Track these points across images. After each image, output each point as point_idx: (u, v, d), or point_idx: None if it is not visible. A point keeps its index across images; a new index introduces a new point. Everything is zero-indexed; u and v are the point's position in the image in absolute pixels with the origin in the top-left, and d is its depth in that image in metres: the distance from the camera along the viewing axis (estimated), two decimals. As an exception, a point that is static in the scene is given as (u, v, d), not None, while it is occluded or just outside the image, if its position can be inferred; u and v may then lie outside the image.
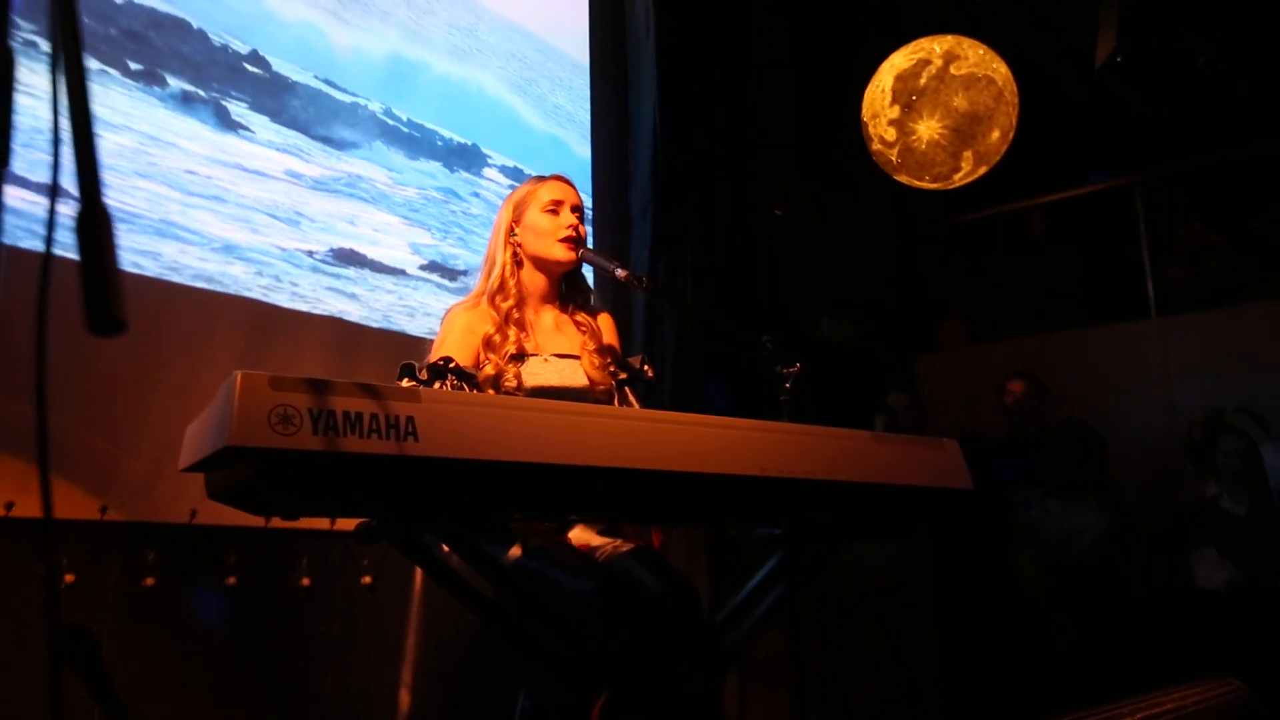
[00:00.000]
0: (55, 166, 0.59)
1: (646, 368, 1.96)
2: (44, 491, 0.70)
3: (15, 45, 0.66)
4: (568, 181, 2.02)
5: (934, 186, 4.10)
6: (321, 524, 2.56)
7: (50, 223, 0.60)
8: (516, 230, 1.95)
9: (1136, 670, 3.27)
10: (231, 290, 2.62)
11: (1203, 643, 3.49)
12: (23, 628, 2.04)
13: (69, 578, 2.17)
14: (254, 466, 1.10)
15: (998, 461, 4.20)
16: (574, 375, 1.87)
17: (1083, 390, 4.70)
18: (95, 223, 0.56)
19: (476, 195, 3.37)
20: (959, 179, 4.06)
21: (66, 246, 0.65)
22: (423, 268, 3.17)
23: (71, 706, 2.04)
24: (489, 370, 1.79)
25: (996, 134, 3.97)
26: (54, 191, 0.61)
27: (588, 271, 2.10)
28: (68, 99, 0.56)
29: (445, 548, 1.56)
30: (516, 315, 1.89)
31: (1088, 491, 3.76)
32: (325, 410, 1.11)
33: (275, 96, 2.86)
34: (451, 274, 3.21)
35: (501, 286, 1.91)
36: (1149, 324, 4.93)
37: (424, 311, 3.09)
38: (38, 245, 0.59)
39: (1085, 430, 3.91)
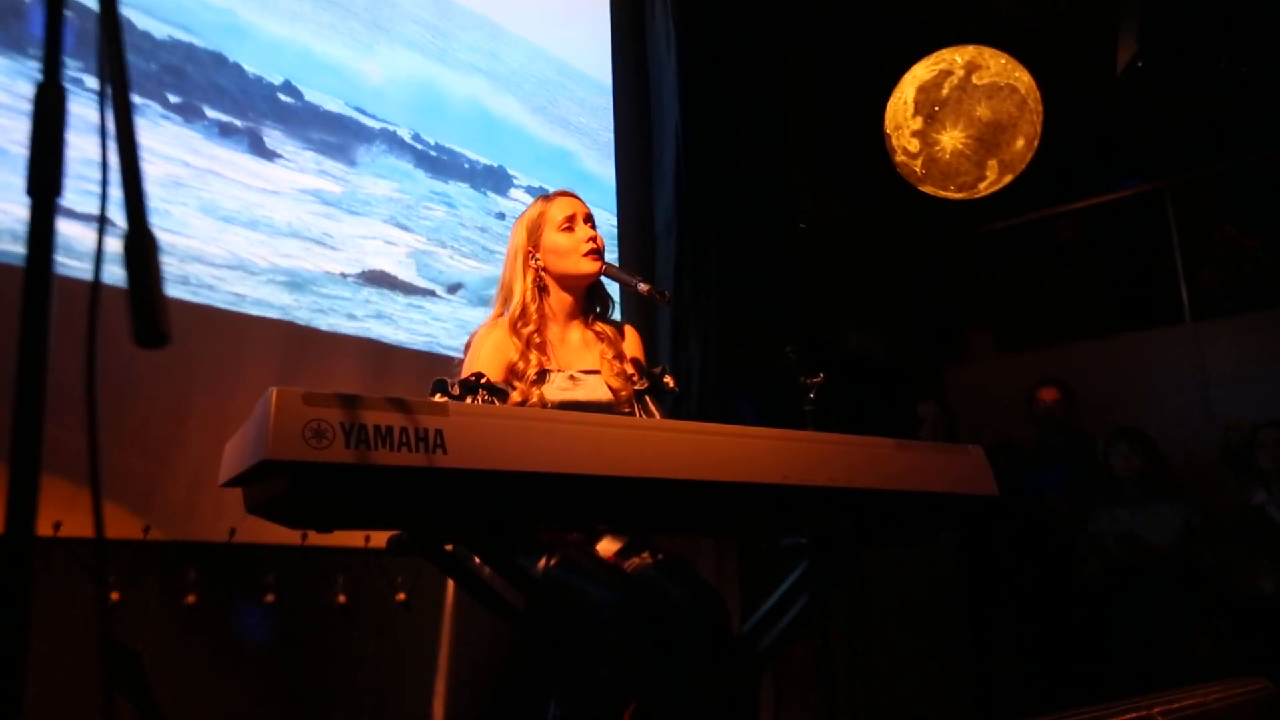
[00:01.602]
0: (103, 197, 0.64)
1: (668, 379, 1.98)
2: (96, 513, 0.74)
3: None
4: (574, 195, 2.03)
5: (960, 196, 4.10)
6: (357, 542, 2.61)
7: (99, 251, 0.64)
8: (536, 255, 1.97)
9: (1181, 673, 3.22)
10: (265, 313, 2.69)
11: (1250, 647, 3.42)
12: (70, 645, 2.09)
13: (113, 595, 2.23)
14: (289, 480, 1.14)
15: (1033, 471, 4.16)
16: (598, 389, 1.89)
17: (1117, 398, 4.65)
18: (142, 244, 0.60)
19: (503, 216, 3.43)
20: (985, 188, 4.06)
21: (108, 272, 0.69)
22: (451, 288, 3.23)
23: (117, 721, 2.09)
24: (515, 397, 1.81)
25: (1021, 142, 3.96)
26: (102, 221, 0.66)
27: (613, 288, 2.12)
28: (115, 128, 0.61)
29: (476, 559, 1.60)
30: (538, 340, 1.90)
31: (1158, 498, 3.72)
32: (357, 424, 1.15)
33: (307, 124, 2.94)
34: (480, 293, 3.27)
35: (523, 313, 1.91)
36: (1183, 329, 4.87)
37: (454, 331, 3.15)
38: (74, 273, 0.63)
39: (1144, 436, 3.85)
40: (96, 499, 0.72)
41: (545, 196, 2.05)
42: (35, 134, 0.62)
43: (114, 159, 0.64)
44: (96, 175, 0.67)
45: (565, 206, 1.99)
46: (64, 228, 0.65)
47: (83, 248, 2.10)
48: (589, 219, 1.99)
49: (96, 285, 0.67)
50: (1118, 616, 3.61)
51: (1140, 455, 3.79)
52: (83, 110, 0.68)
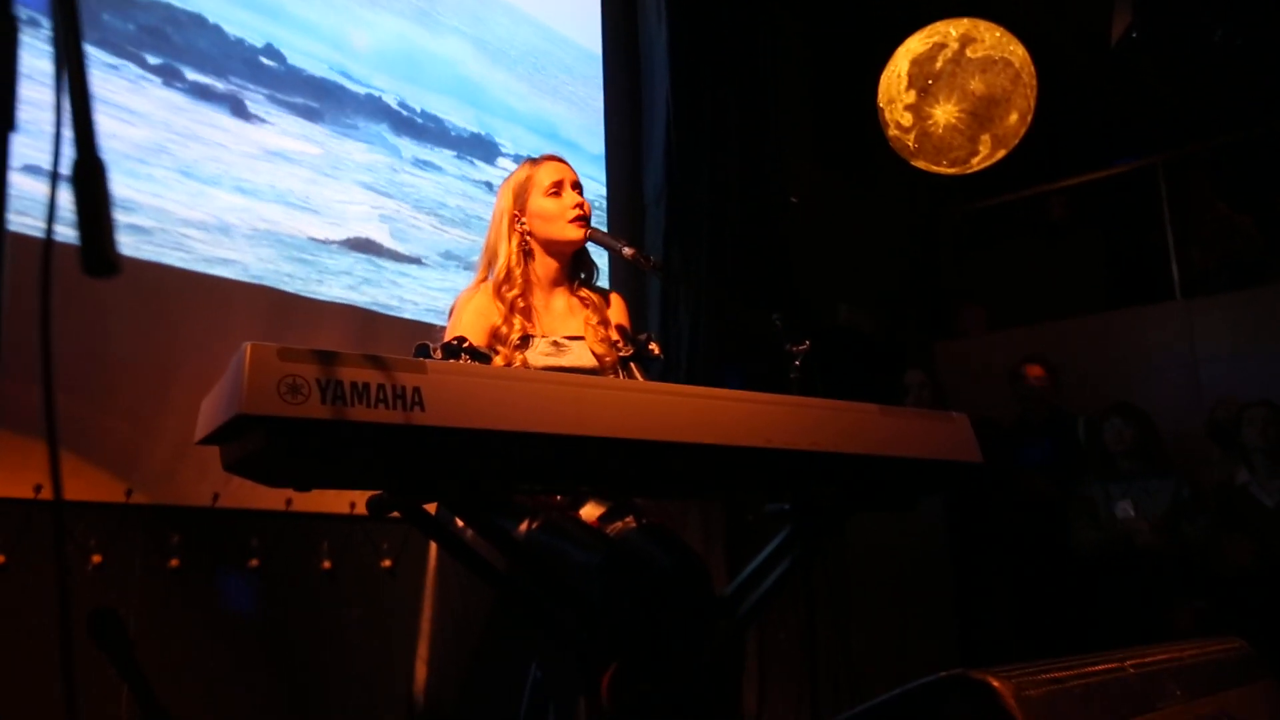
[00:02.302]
0: (56, 152, 0.61)
1: (653, 345, 1.96)
2: (54, 474, 0.72)
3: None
4: (562, 160, 2.01)
5: (952, 171, 4.07)
6: (342, 508, 2.60)
7: (51, 206, 0.62)
8: (522, 219, 1.94)
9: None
10: (250, 278, 2.67)
11: (1230, 620, 3.45)
12: (52, 605, 2.09)
13: (96, 559, 2.22)
14: (264, 436, 1.12)
15: (1023, 447, 4.16)
16: (582, 356, 1.88)
17: (1107, 374, 4.66)
18: (90, 170, 0.58)
19: (489, 185, 3.40)
20: (977, 163, 4.03)
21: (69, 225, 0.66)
22: (438, 255, 3.20)
23: (100, 684, 2.09)
24: (498, 362, 1.80)
25: (1014, 116, 3.93)
26: (55, 176, 0.63)
27: (600, 256, 2.10)
28: (65, 55, 0.59)
29: (459, 522, 1.59)
30: (522, 304, 1.88)
31: (1150, 473, 3.73)
32: (333, 380, 1.14)
33: (291, 88, 2.90)
34: (467, 261, 3.25)
35: (508, 276, 1.89)
36: (1174, 307, 4.87)
37: (440, 299, 3.13)
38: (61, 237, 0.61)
39: (1138, 411, 3.85)
40: (54, 455, 0.71)
41: (533, 160, 2.02)
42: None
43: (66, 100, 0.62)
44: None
45: (553, 171, 1.96)
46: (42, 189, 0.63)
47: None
48: (576, 185, 1.97)
49: (49, 241, 0.64)
50: (1103, 588, 3.63)
51: (1133, 430, 3.79)
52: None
